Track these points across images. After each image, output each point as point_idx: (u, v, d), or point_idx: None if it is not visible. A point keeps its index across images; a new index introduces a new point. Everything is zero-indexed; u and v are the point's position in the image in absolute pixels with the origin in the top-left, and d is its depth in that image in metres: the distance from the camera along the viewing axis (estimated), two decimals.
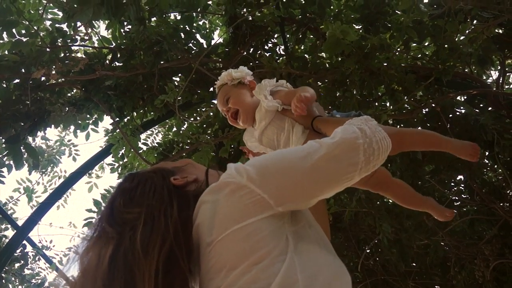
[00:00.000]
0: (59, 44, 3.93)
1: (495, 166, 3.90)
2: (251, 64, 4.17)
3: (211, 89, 4.25)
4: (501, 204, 3.66)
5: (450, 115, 3.74)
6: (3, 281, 4.47)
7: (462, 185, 3.96)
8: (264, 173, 0.97)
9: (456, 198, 3.84)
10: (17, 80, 3.95)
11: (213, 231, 0.92)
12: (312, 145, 1.04)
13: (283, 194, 0.96)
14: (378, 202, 3.72)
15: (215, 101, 4.11)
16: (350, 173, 1.03)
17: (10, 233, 5.13)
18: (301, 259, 0.91)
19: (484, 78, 4.17)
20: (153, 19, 4.25)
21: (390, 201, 4.50)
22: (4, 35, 3.82)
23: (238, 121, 1.70)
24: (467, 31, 3.24)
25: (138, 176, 1.11)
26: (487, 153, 3.75)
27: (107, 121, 5.89)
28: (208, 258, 0.92)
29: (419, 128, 3.86)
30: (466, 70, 3.94)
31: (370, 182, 1.68)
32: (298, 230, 0.98)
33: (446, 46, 3.37)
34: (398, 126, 3.89)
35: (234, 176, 0.97)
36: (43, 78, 3.95)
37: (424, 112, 3.80)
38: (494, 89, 3.76)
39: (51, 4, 4.11)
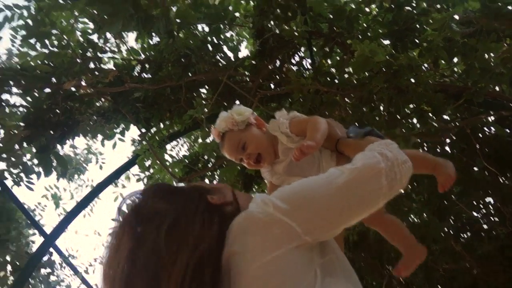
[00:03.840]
0: (90, 55, 4.01)
1: None
2: (277, 77, 4.16)
3: (237, 101, 4.25)
4: None
5: (480, 135, 3.65)
6: (30, 286, 4.57)
7: (491, 207, 3.83)
8: (289, 202, 0.98)
9: (485, 220, 3.73)
10: (48, 90, 4.04)
11: (243, 263, 0.92)
12: (333, 172, 1.04)
13: (310, 222, 0.96)
14: (404, 223, 3.64)
15: None
16: (374, 199, 1.02)
17: (36, 238, 5.25)
18: None
19: None
20: (181, 31, 4.27)
21: (416, 220, 4.43)
22: (38, 45, 3.91)
23: (262, 164, 1.60)
24: (500, 51, 3.16)
25: (174, 188, 1.11)
26: None
27: (133, 131, 5.95)
28: None
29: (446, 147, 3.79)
30: (497, 88, 3.85)
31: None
32: (326, 262, 0.98)
33: (477, 65, 3.30)
34: (425, 145, 3.83)
35: (261, 206, 0.98)
36: (73, 88, 4.02)
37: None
38: None
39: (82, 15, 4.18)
